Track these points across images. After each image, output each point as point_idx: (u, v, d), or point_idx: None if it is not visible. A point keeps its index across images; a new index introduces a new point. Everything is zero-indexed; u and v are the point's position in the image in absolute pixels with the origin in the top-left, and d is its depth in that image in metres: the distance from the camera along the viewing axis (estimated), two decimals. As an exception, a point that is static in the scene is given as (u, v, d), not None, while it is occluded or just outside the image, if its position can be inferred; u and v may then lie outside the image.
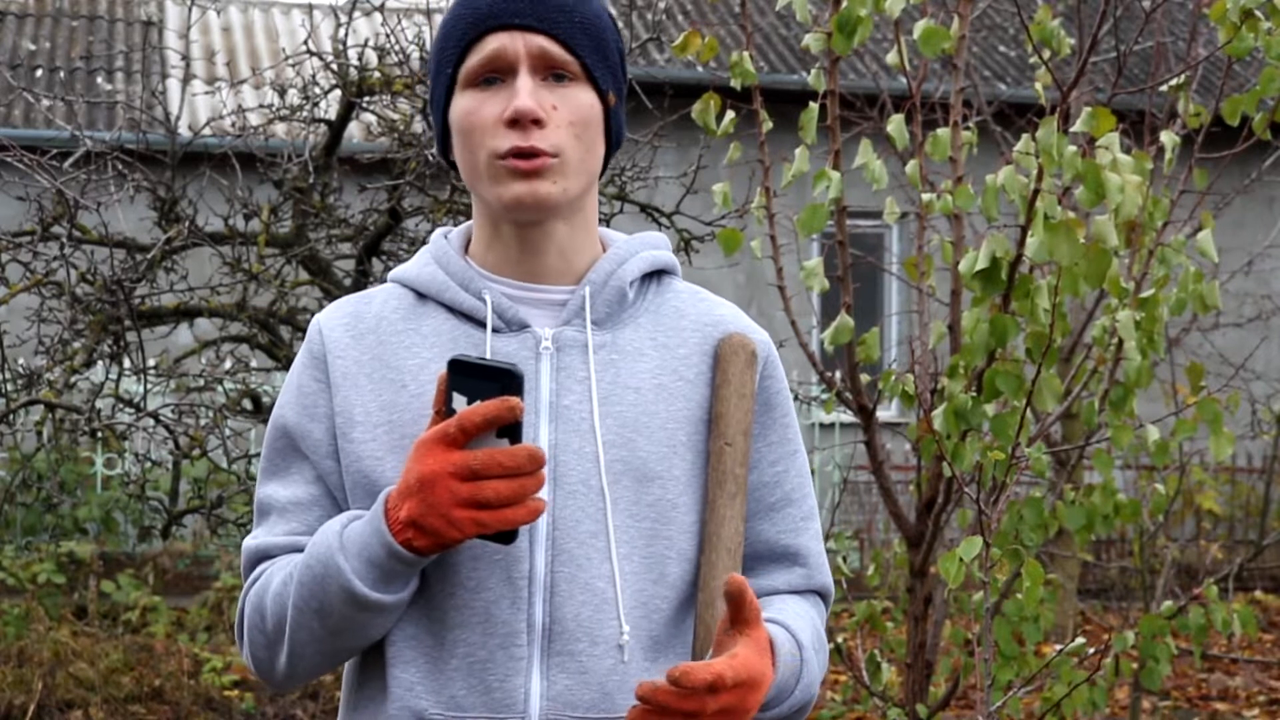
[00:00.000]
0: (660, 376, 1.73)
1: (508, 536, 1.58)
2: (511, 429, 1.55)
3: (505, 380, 1.54)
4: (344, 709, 1.76)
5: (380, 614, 1.62)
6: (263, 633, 1.70)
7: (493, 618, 1.64)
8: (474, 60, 1.69)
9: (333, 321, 1.76)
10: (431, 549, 1.58)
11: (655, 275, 1.81)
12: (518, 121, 1.66)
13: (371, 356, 1.72)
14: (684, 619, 1.72)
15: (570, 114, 1.68)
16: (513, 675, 1.64)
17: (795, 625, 1.72)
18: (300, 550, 1.69)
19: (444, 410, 1.57)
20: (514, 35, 1.68)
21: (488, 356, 1.66)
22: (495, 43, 1.68)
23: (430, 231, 3.57)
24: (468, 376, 1.55)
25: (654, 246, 1.81)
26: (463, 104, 1.70)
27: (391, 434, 1.68)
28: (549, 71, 1.69)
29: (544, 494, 1.63)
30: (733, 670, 1.55)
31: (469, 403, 1.55)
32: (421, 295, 1.76)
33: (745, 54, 3.56)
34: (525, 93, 1.66)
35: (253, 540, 1.74)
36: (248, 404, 5.29)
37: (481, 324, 1.71)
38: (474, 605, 1.64)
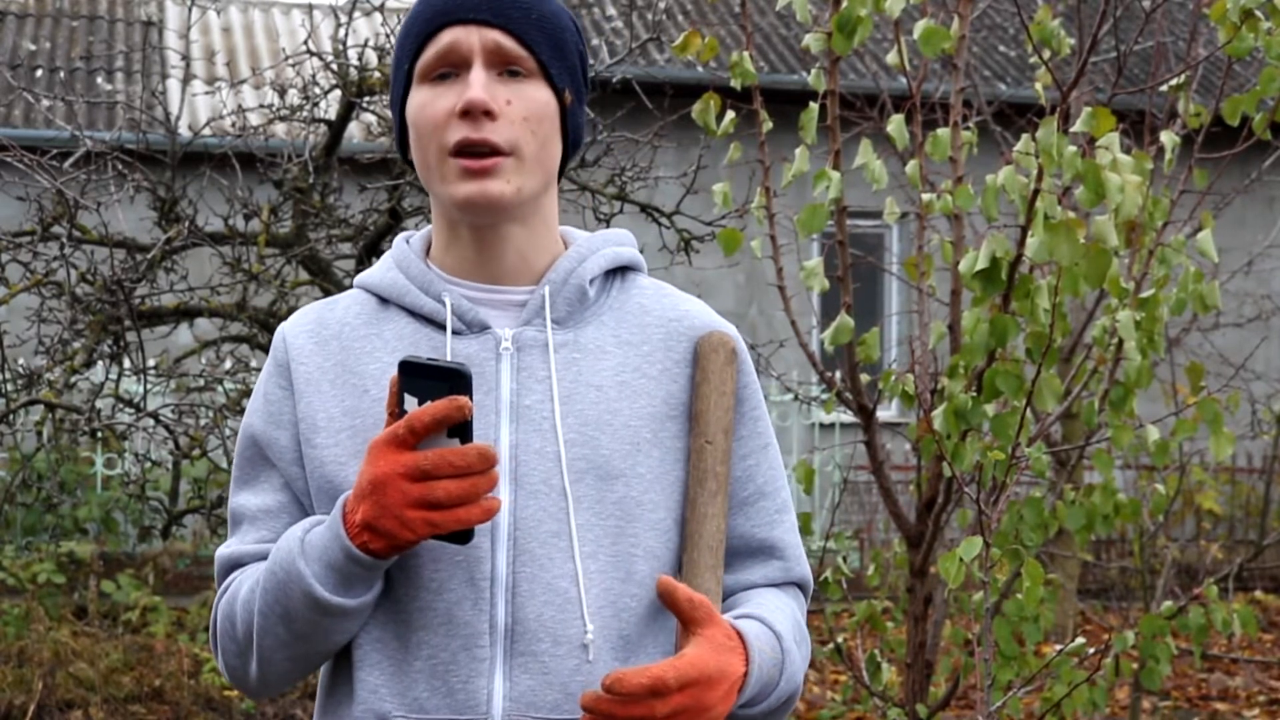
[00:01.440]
0: (623, 374, 1.72)
1: (464, 536, 1.58)
2: (462, 428, 1.54)
3: (454, 380, 1.54)
4: (317, 712, 1.76)
5: (344, 618, 1.62)
6: (234, 640, 1.70)
7: (455, 619, 1.64)
8: (429, 54, 1.69)
9: (296, 329, 1.77)
10: (387, 551, 1.58)
11: (619, 272, 1.80)
12: (469, 113, 1.65)
13: (335, 363, 1.73)
14: (657, 618, 1.71)
15: (524, 109, 1.68)
16: (475, 676, 1.63)
17: (772, 618, 1.71)
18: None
19: (397, 412, 1.58)
20: (469, 29, 1.68)
21: (446, 358, 1.66)
22: (449, 36, 1.68)
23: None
24: (418, 377, 1.56)
25: (617, 244, 1.80)
26: (417, 98, 1.70)
27: (354, 439, 1.68)
28: (504, 66, 1.68)
29: (505, 494, 1.63)
30: (676, 671, 1.55)
31: (420, 404, 1.55)
32: (384, 300, 1.76)
33: (745, 54, 3.56)
34: (478, 85, 1.65)
35: (225, 549, 1.74)
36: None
37: (442, 327, 1.71)
38: (436, 607, 1.64)
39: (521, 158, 1.67)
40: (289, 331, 1.77)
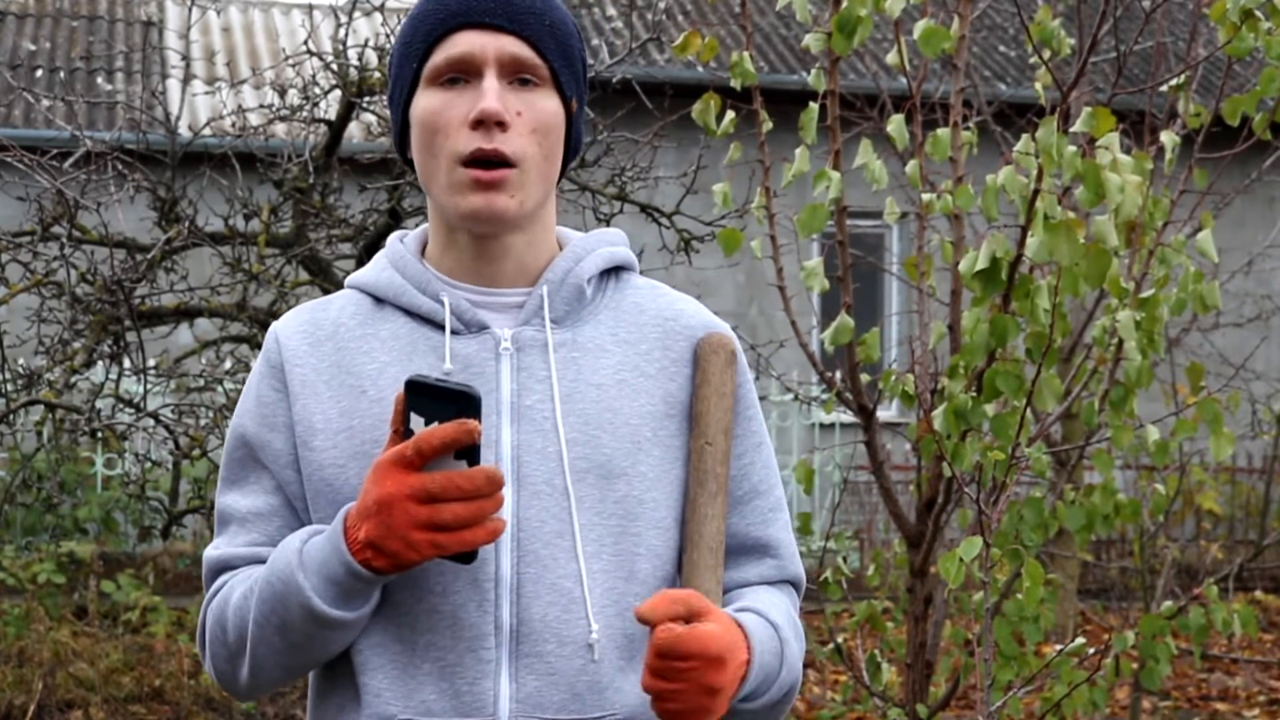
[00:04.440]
0: (622, 372, 1.72)
1: (468, 556, 1.58)
2: (469, 451, 1.54)
3: (462, 403, 1.53)
4: (311, 717, 1.75)
5: (341, 630, 1.62)
6: (224, 645, 1.69)
7: (460, 621, 1.64)
8: (440, 58, 1.67)
9: (289, 330, 1.75)
10: (390, 569, 1.57)
11: (614, 272, 1.79)
12: (482, 123, 1.64)
13: (330, 363, 1.71)
14: None
15: (534, 120, 1.67)
16: (482, 678, 1.63)
17: (768, 610, 1.72)
18: (261, 561, 1.69)
19: (402, 430, 1.56)
20: (483, 35, 1.66)
21: (447, 365, 1.66)
22: (464, 42, 1.66)
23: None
24: (425, 397, 1.54)
25: (611, 243, 1.79)
26: (426, 102, 1.68)
27: (352, 440, 1.67)
28: (516, 75, 1.67)
29: (508, 496, 1.63)
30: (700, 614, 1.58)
31: (426, 424, 1.54)
32: (379, 300, 1.75)
33: (745, 54, 3.56)
34: (492, 94, 1.64)
35: (214, 551, 1.73)
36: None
37: (440, 327, 1.70)
38: (442, 609, 1.64)
39: (525, 170, 1.66)
40: (282, 333, 1.75)
